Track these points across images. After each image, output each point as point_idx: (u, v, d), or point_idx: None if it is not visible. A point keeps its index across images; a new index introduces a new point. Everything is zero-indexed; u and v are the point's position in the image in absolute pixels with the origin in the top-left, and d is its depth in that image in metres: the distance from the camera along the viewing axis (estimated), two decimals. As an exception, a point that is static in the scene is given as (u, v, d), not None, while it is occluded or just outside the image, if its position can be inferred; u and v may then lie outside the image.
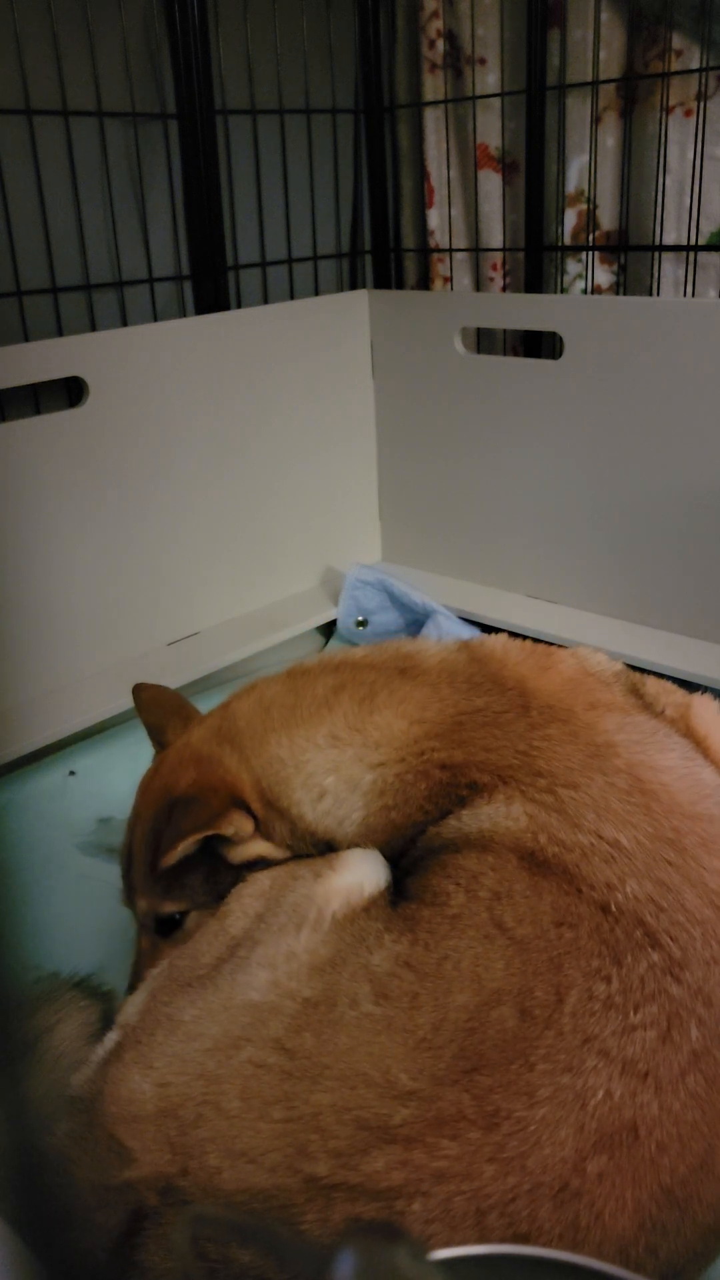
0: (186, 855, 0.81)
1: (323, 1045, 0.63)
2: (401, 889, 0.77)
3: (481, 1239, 0.54)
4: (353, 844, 0.82)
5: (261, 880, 0.79)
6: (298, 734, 0.84)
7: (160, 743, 0.94)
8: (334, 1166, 0.57)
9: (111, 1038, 0.70)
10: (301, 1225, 0.55)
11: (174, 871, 0.82)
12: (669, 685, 0.90)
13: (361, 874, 0.76)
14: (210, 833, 0.80)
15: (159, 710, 0.96)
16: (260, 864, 0.83)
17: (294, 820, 0.83)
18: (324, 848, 0.83)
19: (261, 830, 0.84)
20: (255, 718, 0.87)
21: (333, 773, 0.82)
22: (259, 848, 0.83)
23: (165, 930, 0.85)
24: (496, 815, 0.74)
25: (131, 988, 0.84)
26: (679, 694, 0.88)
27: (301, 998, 0.66)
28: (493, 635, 0.93)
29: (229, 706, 0.90)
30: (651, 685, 0.89)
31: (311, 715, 0.84)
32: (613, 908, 0.66)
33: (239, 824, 0.82)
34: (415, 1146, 0.57)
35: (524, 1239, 0.55)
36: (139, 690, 0.98)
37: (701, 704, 0.87)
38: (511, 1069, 0.59)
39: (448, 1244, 0.54)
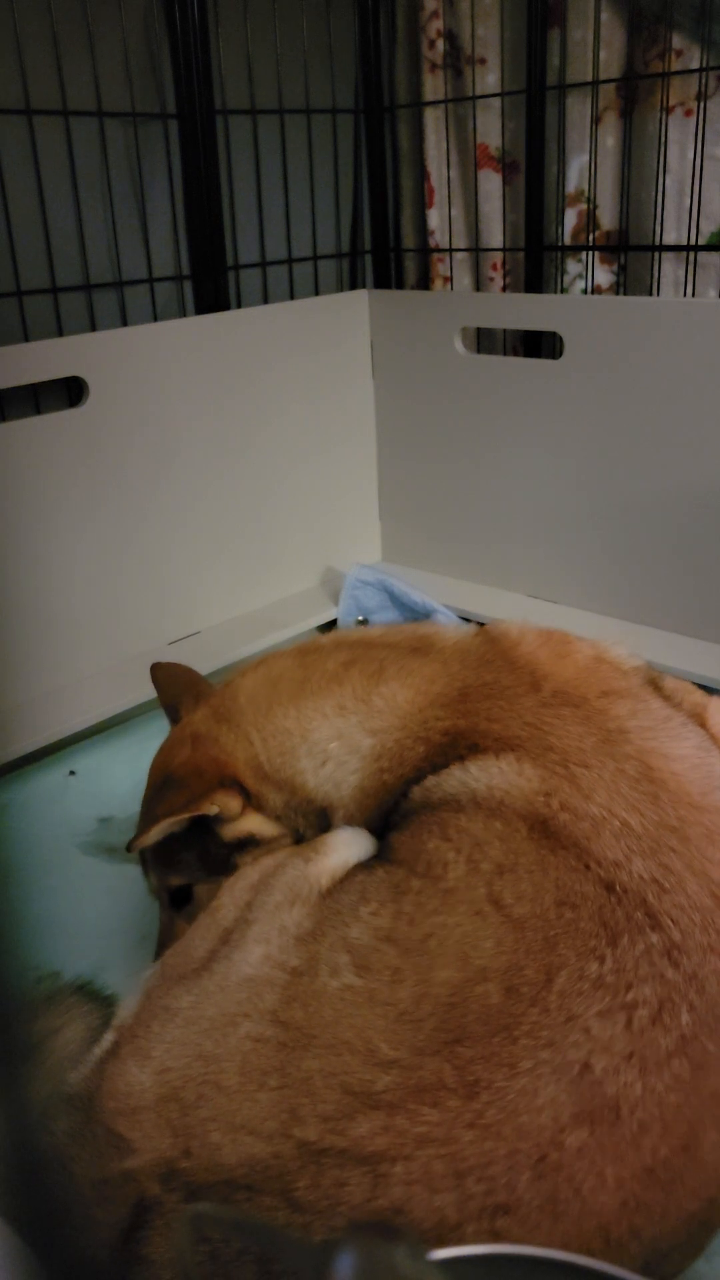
0: (180, 833, 0.83)
1: (310, 1016, 0.64)
2: (386, 846, 0.77)
3: (461, 1203, 0.55)
4: (347, 809, 0.83)
5: (250, 874, 0.80)
6: (306, 706, 0.85)
7: (176, 720, 0.96)
8: (323, 1131, 0.58)
9: (108, 1038, 0.71)
10: (295, 1193, 0.56)
11: (170, 848, 0.84)
12: (689, 685, 0.89)
13: (348, 854, 0.77)
14: (186, 816, 0.81)
15: (173, 688, 0.99)
16: (251, 841, 0.85)
17: (294, 789, 0.84)
18: (316, 818, 0.85)
19: (254, 803, 0.85)
20: (260, 692, 0.88)
21: (336, 739, 0.83)
22: (250, 824, 0.85)
23: (177, 903, 0.87)
24: (508, 771, 0.74)
25: (157, 957, 0.86)
26: (698, 694, 0.88)
27: (289, 967, 0.67)
28: (511, 620, 0.93)
29: (231, 684, 0.92)
30: (670, 682, 0.88)
31: (321, 688, 0.86)
32: (618, 886, 0.66)
33: (223, 804, 0.83)
34: (398, 1113, 0.58)
35: (504, 1209, 0.55)
36: (156, 669, 1.01)
37: (718, 706, 0.87)
38: (493, 1041, 0.60)
39: (428, 1206, 0.55)
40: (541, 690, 0.80)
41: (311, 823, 0.85)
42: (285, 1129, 0.58)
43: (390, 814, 0.81)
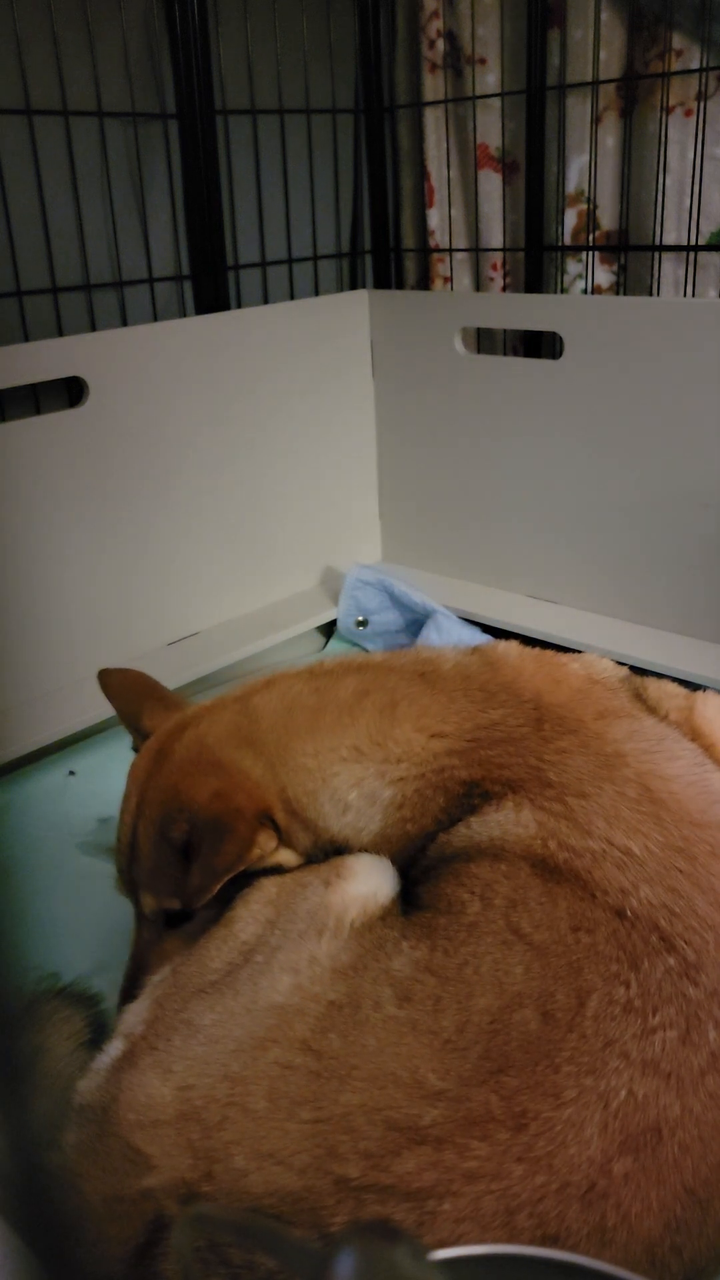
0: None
1: (349, 1046, 0.62)
2: (411, 897, 0.77)
3: (511, 1238, 0.55)
4: (365, 850, 0.81)
5: (268, 887, 0.78)
6: (323, 743, 0.83)
7: (136, 729, 0.92)
8: (365, 1168, 0.57)
9: (116, 1046, 0.69)
10: (332, 1227, 0.55)
11: (176, 873, 0.82)
12: (671, 689, 0.89)
13: (374, 883, 0.76)
14: (246, 865, 0.78)
15: (130, 695, 0.94)
16: (274, 870, 0.83)
17: (319, 831, 0.83)
18: (335, 852, 0.83)
19: (284, 839, 0.83)
20: (279, 719, 0.84)
21: (356, 787, 0.82)
22: (279, 857, 0.83)
23: (174, 923, 0.84)
24: (506, 822, 0.74)
25: (130, 976, 0.83)
26: (681, 696, 0.88)
27: (326, 1001, 0.66)
28: (504, 641, 0.93)
29: (249, 703, 0.87)
30: (653, 689, 0.88)
31: (335, 722, 0.83)
32: (628, 913, 0.66)
33: (264, 845, 0.80)
34: (446, 1147, 0.57)
35: (553, 1239, 0.55)
36: (104, 675, 0.96)
37: (704, 702, 0.87)
38: (537, 1070, 0.60)
39: (479, 1243, 0.54)
40: (544, 725, 0.80)
41: (331, 854, 0.83)
42: (321, 1164, 0.57)
43: (410, 867, 0.80)
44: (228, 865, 0.76)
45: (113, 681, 0.96)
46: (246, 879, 0.82)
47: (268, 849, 0.81)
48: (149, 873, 0.83)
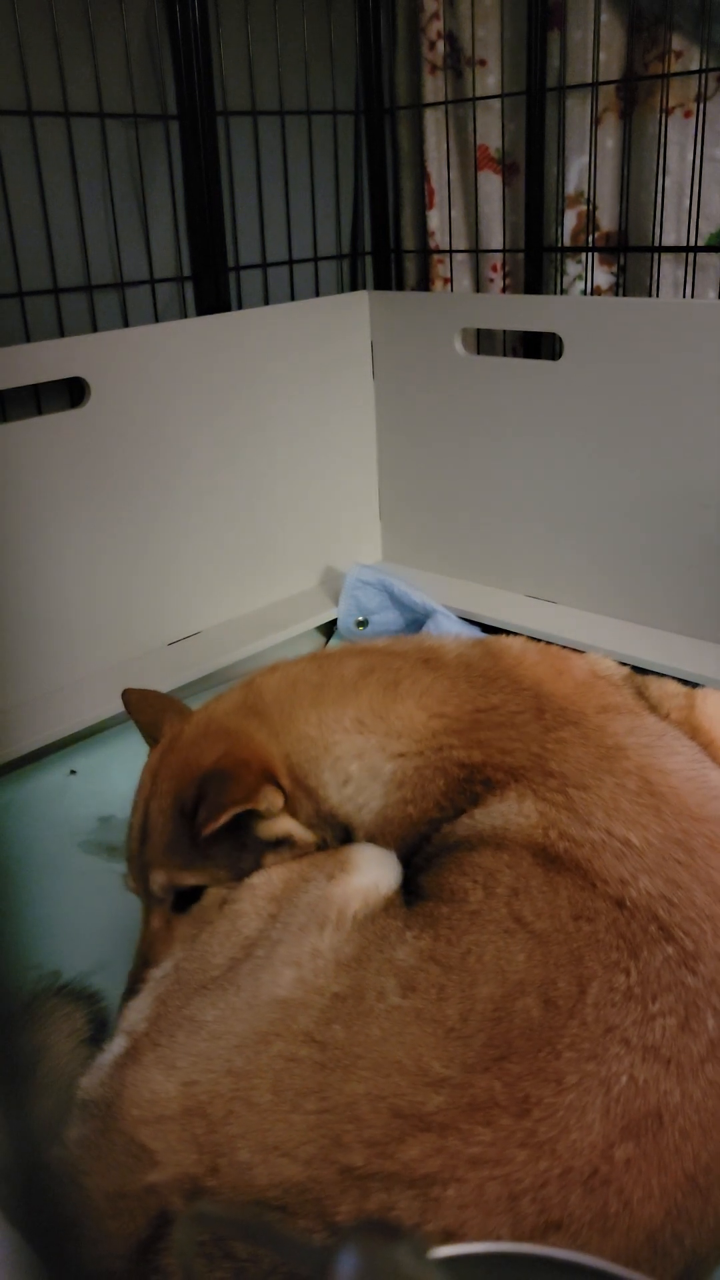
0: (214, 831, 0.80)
1: (353, 1036, 0.63)
2: (414, 887, 0.78)
3: (515, 1224, 0.55)
4: (369, 832, 0.82)
5: (273, 881, 0.78)
6: (326, 714, 0.85)
7: (156, 739, 0.94)
8: (370, 1156, 0.57)
9: (119, 1043, 0.69)
10: (336, 1217, 0.55)
11: (196, 843, 0.82)
12: (672, 688, 0.90)
13: (376, 874, 0.77)
14: (251, 806, 0.80)
15: (150, 709, 0.96)
16: (284, 843, 0.84)
17: (320, 801, 0.84)
18: (341, 831, 0.84)
19: (289, 807, 0.84)
20: (283, 692, 0.87)
21: (357, 759, 0.83)
22: (286, 825, 0.84)
23: (182, 905, 0.85)
24: (509, 812, 0.75)
25: (137, 968, 0.84)
26: (681, 695, 0.89)
27: (330, 993, 0.66)
28: (508, 636, 0.94)
29: (254, 682, 0.91)
30: (654, 688, 0.89)
31: (339, 696, 0.85)
32: (627, 902, 0.67)
33: (271, 799, 0.82)
34: (450, 1133, 0.57)
35: (555, 1226, 0.55)
36: (127, 695, 0.99)
37: (705, 699, 0.88)
38: (539, 1056, 0.60)
39: (481, 1229, 0.55)
40: (545, 714, 0.81)
41: (338, 837, 0.85)
42: (326, 1154, 0.58)
43: (413, 856, 0.81)
44: (235, 800, 0.78)
45: (133, 699, 0.99)
46: (259, 860, 0.82)
47: (275, 805, 0.82)
48: (163, 846, 0.84)
